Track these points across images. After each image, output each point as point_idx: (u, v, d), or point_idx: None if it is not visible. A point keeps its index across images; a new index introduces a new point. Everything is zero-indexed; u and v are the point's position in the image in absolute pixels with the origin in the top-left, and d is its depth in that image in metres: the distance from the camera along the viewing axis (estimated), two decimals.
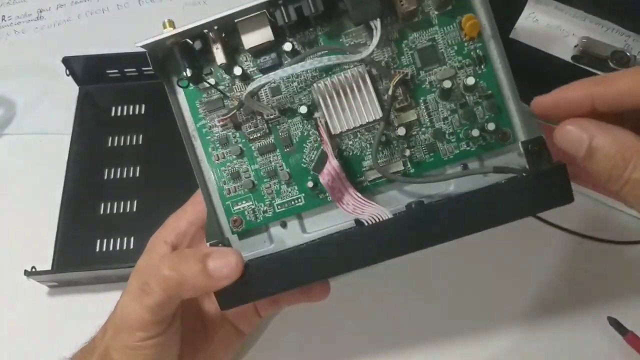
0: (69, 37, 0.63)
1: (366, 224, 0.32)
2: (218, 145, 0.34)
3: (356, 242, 0.32)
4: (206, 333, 0.39)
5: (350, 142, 0.34)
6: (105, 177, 0.52)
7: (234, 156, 0.34)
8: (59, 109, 0.57)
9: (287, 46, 0.33)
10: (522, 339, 0.44)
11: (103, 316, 0.44)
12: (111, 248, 0.49)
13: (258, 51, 0.33)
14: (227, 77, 0.34)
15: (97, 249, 0.49)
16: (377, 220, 0.32)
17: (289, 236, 0.35)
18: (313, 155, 0.34)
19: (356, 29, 0.34)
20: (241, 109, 0.34)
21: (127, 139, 0.54)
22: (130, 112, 0.56)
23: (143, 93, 0.57)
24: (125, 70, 0.56)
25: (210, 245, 0.34)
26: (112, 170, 0.52)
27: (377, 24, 0.31)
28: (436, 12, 0.33)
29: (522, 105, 0.33)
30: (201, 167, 0.35)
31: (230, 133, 0.34)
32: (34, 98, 0.58)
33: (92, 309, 0.47)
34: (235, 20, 0.32)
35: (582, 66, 0.52)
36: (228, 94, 0.34)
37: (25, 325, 0.46)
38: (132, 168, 0.53)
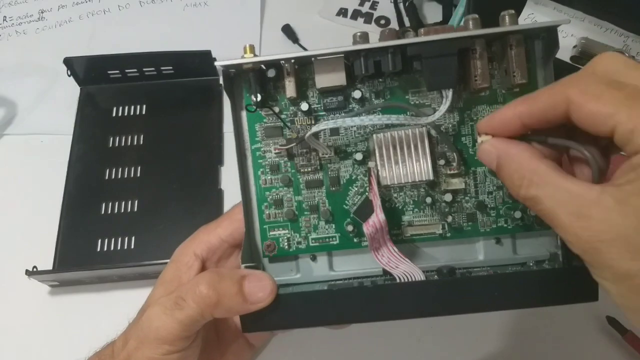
0: (70, 37, 0.63)
1: (398, 279, 0.33)
2: (268, 170, 0.35)
3: (386, 295, 0.32)
4: (220, 346, 0.39)
5: (395, 195, 0.35)
6: (106, 177, 0.52)
7: (281, 184, 0.35)
8: (60, 110, 0.57)
9: (357, 94, 0.34)
10: (522, 338, 0.44)
11: (103, 316, 0.44)
12: (112, 248, 0.49)
13: (327, 91, 0.34)
14: (292, 108, 0.35)
15: (98, 249, 0.49)
16: (409, 279, 0.32)
17: (316, 270, 0.36)
18: (356, 200, 0.35)
19: (424, 90, 0.34)
20: (299, 143, 0.35)
21: (128, 139, 0.54)
22: (131, 113, 0.56)
23: (144, 93, 0.57)
24: (126, 70, 0.57)
25: (245, 267, 0.34)
26: (113, 170, 0.53)
27: (449, 93, 0.33)
28: (503, 91, 0.34)
29: None
30: (250, 188, 0.35)
31: (282, 161, 0.35)
32: (35, 98, 0.59)
33: (93, 308, 0.47)
34: (313, 58, 0.33)
35: (581, 67, 0.52)
36: (289, 125, 0.35)
37: (26, 325, 0.47)
38: (133, 168, 0.53)
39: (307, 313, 0.32)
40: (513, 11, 0.32)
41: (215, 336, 0.39)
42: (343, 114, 0.34)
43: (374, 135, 0.34)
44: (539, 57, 0.34)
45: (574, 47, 0.53)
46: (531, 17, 0.57)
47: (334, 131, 0.35)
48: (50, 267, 0.47)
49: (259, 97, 0.33)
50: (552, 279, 0.32)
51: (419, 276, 0.32)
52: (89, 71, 0.56)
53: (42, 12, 0.66)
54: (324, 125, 0.33)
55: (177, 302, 0.32)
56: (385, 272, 0.34)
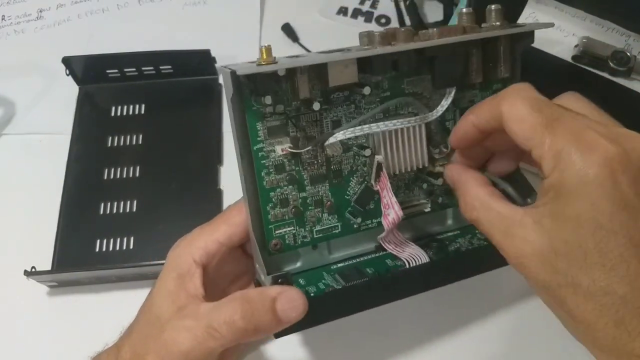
0: (69, 37, 0.63)
1: (407, 263, 0.36)
2: (272, 170, 0.34)
3: (398, 280, 0.35)
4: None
5: (391, 181, 0.36)
6: (105, 177, 0.52)
7: (286, 182, 0.34)
8: (59, 109, 0.57)
9: (367, 90, 0.34)
10: (522, 337, 0.44)
11: (102, 316, 0.44)
12: (111, 248, 0.48)
13: (336, 88, 0.34)
14: (295, 103, 0.34)
15: (97, 249, 0.48)
16: (416, 262, 0.35)
17: (317, 256, 0.37)
18: (357, 189, 0.36)
19: (418, 78, 0.36)
20: (307, 144, 0.34)
21: (127, 139, 0.54)
22: (130, 112, 0.56)
23: (143, 93, 0.57)
24: (125, 70, 0.56)
25: (272, 278, 0.33)
26: (112, 170, 0.52)
27: (452, 90, 0.35)
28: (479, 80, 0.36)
29: None
30: (257, 192, 0.34)
31: (287, 160, 0.34)
32: (34, 98, 0.58)
33: (92, 309, 0.47)
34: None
35: (582, 66, 0.52)
36: (295, 123, 0.34)
37: (25, 325, 0.46)
38: (132, 168, 0.53)
39: (332, 309, 0.34)
40: (499, 6, 0.34)
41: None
42: (354, 115, 0.35)
43: (379, 131, 0.34)
44: (519, 52, 0.37)
45: (576, 46, 0.53)
46: (532, 16, 0.57)
47: (336, 123, 0.35)
48: (48, 267, 0.47)
49: (270, 100, 0.32)
50: None
51: (424, 258, 0.35)
52: (88, 70, 0.56)
53: (40, 12, 0.66)
54: (350, 133, 0.33)
55: (210, 333, 0.31)
56: (378, 249, 0.37)
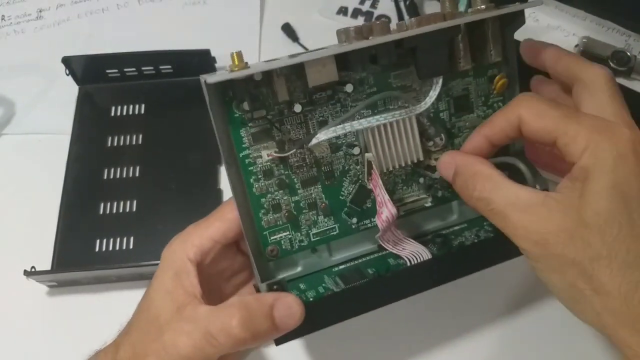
0: (68, 36, 0.63)
1: (408, 261, 0.35)
2: (261, 176, 0.33)
3: (400, 279, 0.35)
4: None
5: (385, 177, 0.36)
6: (105, 177, 0.52)
7: (276, 187, 0.34)
8: (59, 109, 0.57)
9: (349, 87, 0.33)
10: (522, 338, 0.44)
11: (102, 316, 0.44)
12: (111, 248, 0.48)
13: (318, 88, 0.33)
14: (277, 107, 0.33)
15: (97, 249, 0.48)
16: (418, 259, 0.35)
17: (317, 259, 0.36)
18: (351, 189, 0.36)
19: (405, 70, 0.35)
20: (293, 147, 0.33)
21: (127, 139, 0.54)
22: (130, 112, 0.56)
23: (143, 93, 0.57)
24: (125, 70, 0.56)
25: (267, 286, 0.33)
26: (112, 170, 0.52)
27: (439, 79, 0.34)
28: (473, 63, 0.36)
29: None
30: (247, 200, 0.33)
31: (275, 165, 0.34)
32: (34, 98, 0.58)
33: (91, 309, 0.47)
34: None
35: None
36: (279, 127, 0.33)
37: (24, 325, 0.46)
38: (131, 168, 0.52)
39: (332, 313, 0.34)
40: None
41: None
42: (341, 114, 0.34)
43: (368, 129, 0.33)
44: (510, 34, 0.36)
45: (576, 46, 0.53)
46: (532, 16, 0.57)
47: (322, 123, 0.34)
48: (48, 267, 0.47)
49: (248, 106, 0.31)
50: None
51: (426, 255, 0.35)
52: (88, 70, 0.56)
53: (40, 11, 0.66)
54: (332, 132, 0.32)
55: (208, 340, 0.31)
56: (381, 248, 0.36)
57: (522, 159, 0.34)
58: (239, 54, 0.29)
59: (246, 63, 0.29)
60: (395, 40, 0.31)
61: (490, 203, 0.30)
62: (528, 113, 0.30)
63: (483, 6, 0.33)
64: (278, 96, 0.31)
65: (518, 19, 0.35)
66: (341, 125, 0.32)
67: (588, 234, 0.27)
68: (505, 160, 0.34)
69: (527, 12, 0.52)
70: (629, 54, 0.51)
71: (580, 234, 0.27)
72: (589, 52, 0.52)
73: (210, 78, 0.29)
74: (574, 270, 0.27)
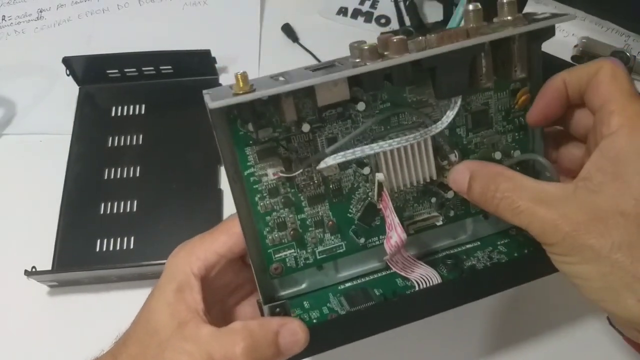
0: (69, 37, 0.63)
1: (417, 284, 0.34)
2: (266, 194, 0.32)
3: (408, 303, 0.34)
4: None
5: (396, 195, 0.34)
6: (106, 177, 0.52)
7: (282, 206, 0.33)
8: (59, 109, 0.57)
9: (361, 106, 0.32)
10: (522, 338, 0.44)
11: (102, 316, 0.44)
12: (111, 248, 0.49)
13: (327, 106, 0.31)
14: (285, 124, 0.31)
15: (97, 249, 0.48)
16: (427, 282, 0.34)
17: (323, 277, 0.35)
18: (359, 206, 0.34)
19: (421, 85, 0.33)
20: (300, 166, 0.32)
21: (127, 139, 0.54)
22: (131, 112, 0.56)
23: (143, 93, 0.57)
24: (126, 70, 0.56)
25: (269, 308, 0.33)
26: (113, 170, 0.52)
27: (458, 99, 0.32)
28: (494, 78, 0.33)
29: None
30: (252, 220, 0.32)
31: (281, 183, 0.32)
32: (34, 98, 0.58)
33: (92, 308, 0.47)
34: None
35: None
36: (286, 146, 0.32)
37: (25, 325, 0.46)
38: (132, 168, 0.53)
39: (335, 337, 0.33)
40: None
41: None
42: (351, 130, 0.32)
43: (380, 151, 0.32)
44: (537, 48, 0.34)
45: (575, 46, 0.53)
46: None
47: (331, 141, 0.32)
48: (49, 267, 0.47)
49: (252, 127, 0.30)
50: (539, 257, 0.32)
51: (436, 278, 0.34)
52: (88, 71, 0.56)
53: (41, 12, 0.66)
54: (341, 157, 0.31)
55: None
56: (389, 267, 0.35)
57: (541, 155, 0.34)
58: (244, 76, 0.27)
59: (251, 85, 0.27)
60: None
61: (514, 202, 0.29)
62: (612, 68, 0.30)
63: (509, 17, 0.30)
64: (286, 116, 0.30)
65: (548, 32, 0.32)
66: (351, 150, 0.31)
67: (624, 221, 0.26)
68: (524, 157, 0.33)
69: (524, 10, 0.53)
70: (628, 54, 0.51)
71: (615, 221, 0.26)
72: (589, 52, 0.52)
73: (213, 102, 0.27)
74: (610, 258, 0.26)
